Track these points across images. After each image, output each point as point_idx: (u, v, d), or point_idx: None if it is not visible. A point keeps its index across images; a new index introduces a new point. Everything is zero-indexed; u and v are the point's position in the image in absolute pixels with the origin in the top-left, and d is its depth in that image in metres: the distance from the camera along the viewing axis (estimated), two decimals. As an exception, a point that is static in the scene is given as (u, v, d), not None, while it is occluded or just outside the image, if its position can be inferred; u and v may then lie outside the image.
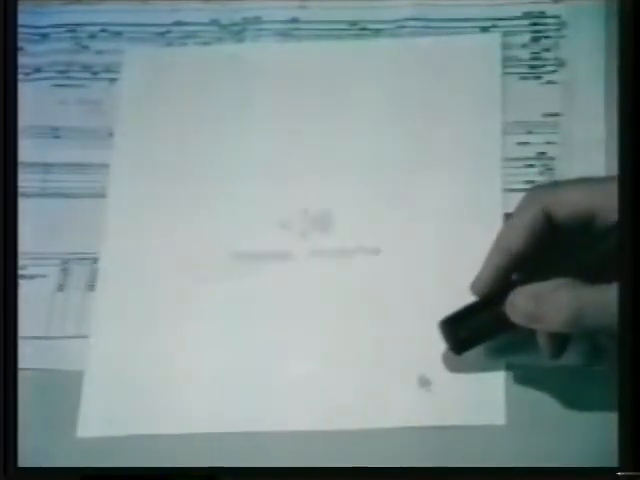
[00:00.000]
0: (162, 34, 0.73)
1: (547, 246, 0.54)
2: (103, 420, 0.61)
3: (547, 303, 0.53)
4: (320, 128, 0.68)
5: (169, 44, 0.73)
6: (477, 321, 0.56)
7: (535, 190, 0.56)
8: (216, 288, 0.64)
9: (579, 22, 0.69)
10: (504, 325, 0.55)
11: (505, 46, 0.69)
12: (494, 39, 0.70)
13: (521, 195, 0.59)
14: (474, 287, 0.57)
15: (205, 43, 0.72)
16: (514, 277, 0.56)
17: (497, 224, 0.60)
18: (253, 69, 0.71)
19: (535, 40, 0.69)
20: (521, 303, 0.54)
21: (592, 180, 0.53)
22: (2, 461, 0.54)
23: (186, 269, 0.65)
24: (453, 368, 0.60)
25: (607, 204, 0.52)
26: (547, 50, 0.69)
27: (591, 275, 0.52)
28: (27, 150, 0.68)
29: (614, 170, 0.53)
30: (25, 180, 0.68)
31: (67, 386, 0.62)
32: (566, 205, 0.53)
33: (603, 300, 0.51)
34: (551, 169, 0.65)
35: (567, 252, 0.54)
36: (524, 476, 0.55)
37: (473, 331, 0.57)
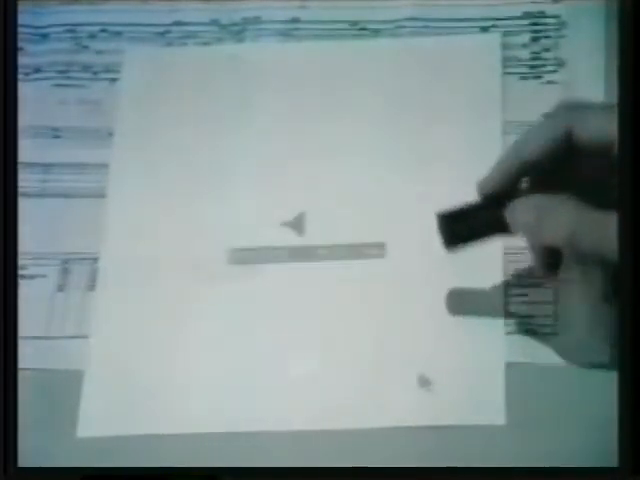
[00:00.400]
0: (162, 34, 0.73)
1: (561, 162, 0.54)
2: (103, 420, 0.61)
3: (548, 216, 0.53)
4: (320, 128, 0.68)
5: (169, 44, 0.73)
6: (475, 219, 0.56)
7: (562, 106, 0.55)
8: (216, 288, 0.64)
9: (579, 22, 0.69)
10: (501, 229, 0.55)
11: (505, 46, 0.69)
12: (494, 39, 0.70)
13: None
14: (481, 186, 0.56)
15: (205, 43, 0.73)
16: (522, 184, 0.56)
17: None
18: (253, 69, 0.71)
19: (535, 40, 0.69)
20: (522, 211, 0.54)
21: (617, 106, 0.53)
22: (2, 461, 0.54)
23: (186, 269, 0.65)
24: (453, 368, 0.60)
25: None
26: (547, 50, 0.69)
27: (597, 199, 0.52)
28: (27, 150, 0.68)
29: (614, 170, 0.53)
30: (25, 180, 0.68)
31: (67, 386, 0.62)
32: (591, 128, 0.53)
33: (602, 225, 0.51)
34: (551, 169, 0.65)
35: (578, 172, 0.53)
36: (524, 476, 0.55)
37: (469, 228, 0.56)
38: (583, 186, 0.53)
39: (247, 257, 0.65)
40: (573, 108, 0.54)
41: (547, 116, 0.55)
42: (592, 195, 0.52)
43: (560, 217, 0.52)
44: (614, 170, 0.52)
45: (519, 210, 0.54)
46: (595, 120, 0.53)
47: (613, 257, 0.51)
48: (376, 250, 0.64)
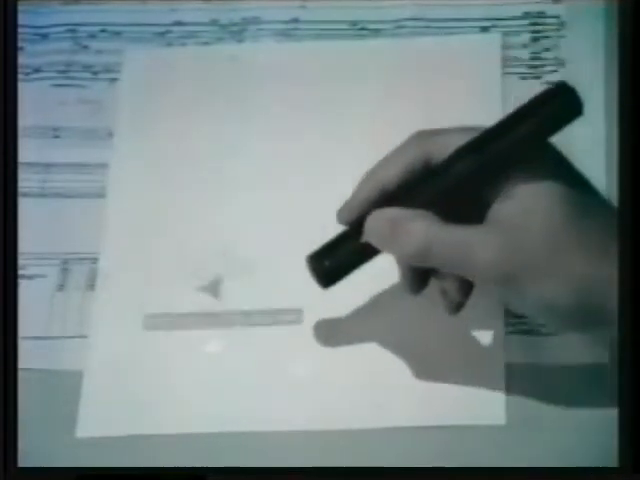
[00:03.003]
0: (162, 34, 0.73)
1: (418, 183, 0.53)
2: (103, 420, 0.61)
3: (402, 229, 0.52)
4: (320, 128, 0.68)
5: (169, 44, 0.73)
6: (342, 251, 0.55)
7: (418, 134, 0.55)
8: (215, 287, 0.64)
9: (579, 22, 0.69)
10: (368, 253, 0.54)
11: (505, 46, 0.69)
12: (494, 39, 0.70)
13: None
14: (340, 215, 0.55)
15: (205, 43, 0.73)
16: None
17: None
18: (253, 69, 0.71)
19: (535, 40, 0.69)
20: (377, 224, 0.53)
21: (475, 129, 0.53)
22: (2, 461, 0.54)
23: (186, 269, 0.65)
24: (455, 368, 0.60)
25: None
26: (547, 50, 0.69)
27: (449, 213, 0.52)
28: (27, 150, 0.68)
29: (614, 170, 0.53)
30: (25, 180, 0.68)
31: (67, 386, 0.62)
32: (446, 152, 0.52)
33: (453, 239, 0.51)
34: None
35: (433, 188, 0.53)
36: (524, 476, 0.55)
37: (338, 261, 0.55)
38: (435, 200, 0.52)
39: (247, 257, 0.65)
40: (429, 134, 0.54)
41: (404, 143, 0.54)
42: (444, 208, 0.52)
43: (413, 229, 0.52)
44: (462, 183, 0.51)
45: (373, 224, 0.53)
46: (452, 144, 0.52)
47: (473, 273, 0.51)
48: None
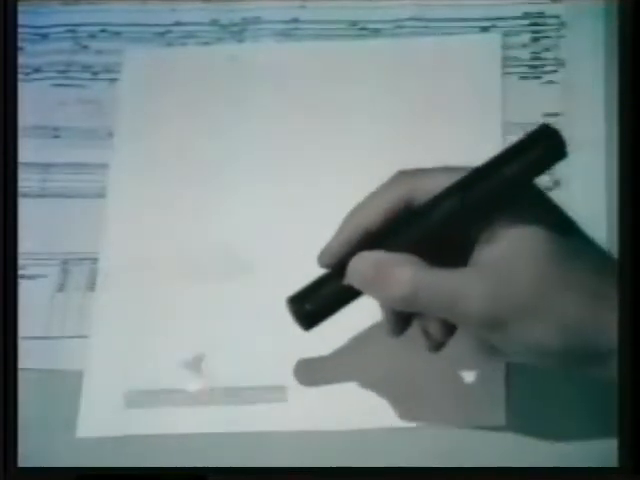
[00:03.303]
0: (162, 34, 0.73)
1: (401, 225, 0.53)
2: (103, 420, 0.61)
3: (387, 274, 0.51)
4: (320, 128, 0.68)
5: (169, 44, 0.73)
6: (323, 294, 0.54)
7: (400, 174, 0.54)
8: (215, 287, 0.64)
9: (579, 22, 0.69)
10: (350, 295, 0.54)
11: (505, 46, 0.69)
12: (494, 39, 0.70)
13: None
14: (321, 259, 0.55)
15: (205, 43, 0.73)
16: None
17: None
18: (253, 69, 0.71)
19: (535, 40, 0.69)
20: (361, 268, 0.52)
21: (458, 169, 0.52)
22: (2, 461, 0.54)
23: (186, 269, 0.65)
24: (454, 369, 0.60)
25: None
26: (547, 50, 0.69)
27: (434, 255, 0.51)
28: (27, 150, 0.68)
29: (614, 171, 0.53)
30: (25, 180, 0.68)
31: (67, 386, 0.62)
32: (428, 192, 0.52)
33: (440, 285, 0.50)
34: (551, 169, 0.65)
35: (417, 230, 0.52)
36: (524, 476, 0.55)
37: (319, 304, 0.54)
38: (420, 244, 0.52)
39: (246, 256, 0.65)
40: (411, 175, 0.53)
41: (386, 184, 0.54)
42: (430, 252, 0.51)
43: (399, 274, 0.51)
44: (447, 226, 0.51)
45: (357, 266, 0.52)
46: (433, 184, 0.52)
47: (460, 318, 0.51)
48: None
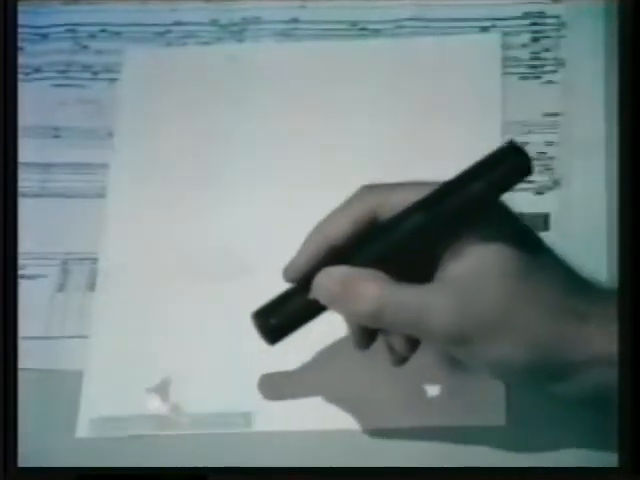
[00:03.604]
0: (162, 34, 0.73)
1: (367, 241, 0.53)
2: (103, 420, 0.61)
3: (353, 290, 0.51)
4: (320, 128, 0.68)
5: (169, 44, 0.73)
6: (288, 308, 0.54)
7: (365, 189, 0.54)
8: (216, 287, 0.64)
9: (579, 22, 0.69)
10: (315, 310, 0.53)
11: (505, 46, 0.69)
12: (494, 39, 0.70)
13: (520, 195, 0.59)
14: (286, 274, 0.54)
15: (205, 43, 0.73)
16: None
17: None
18: (253, 69, 0.71)
19: (535, 40, 0.69)
20: (327, 284, 0.52)
21: (422, 185, 0.52)
22: (2, 461, 0.54)
23: (186, 269, 0.65)
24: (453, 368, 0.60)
25: None
26: (547, 50, 0.69)
27: (399, 271, 0.51)
28: (27, 150, 0.68)
29: (614, 171, 0.53)
30: (25, 180, 0.68)
31: (67, 386, 0.62)
32: (393, 207, 0.52)
33: (406, 302, 0.50)
34: (551, 169, 0.65)
35: (383, 245, 0.52)
36: (524, 476, 0.55)
37: (284, 318, 0.54)
38: (387, 260, 0.52)
39: (245, 256, 0.65)
40: (376, 190, 0.53)
41: (351, 199, 0.54)
42: (396, 268, 0.51)
43: (365, 290, 0.51)
44: (413, 242, 0.51)
45: (323, 282, 0.52)
46: (398, 199, 0.52)
47: (426, 335, 0.51)
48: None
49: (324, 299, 0.53)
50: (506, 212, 0.52)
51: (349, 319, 0.56)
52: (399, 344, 0.54)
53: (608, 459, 0.51)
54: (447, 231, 0.51)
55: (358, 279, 0.51)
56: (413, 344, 0.54)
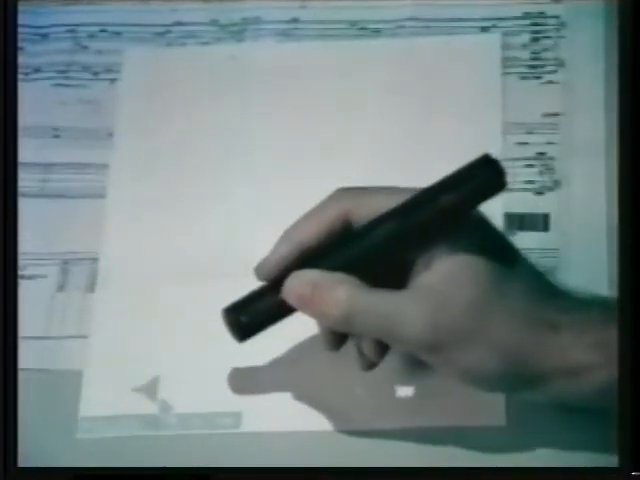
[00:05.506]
0: (162, 34, 0.73)
1: (339, 245, 0.53)
2: (103, 420, 0.61)
3: (324, 295, 0.51)
4: (320, 128, 0.68)
5: (169, 44, 0.73)
6: (258, 307, 0.54)
7: (339, 192, 0.54)
8: (216, 287, 0.64)
9: (579, 22, 0.69)
10: (285, 310, 0.53)
11: (505, 46, 0.69)
12: (494, 39, 0.70)
13: (520, 195, 0.59)
14: (258, 272, 0.55)
15: (205, 43, 0.73)
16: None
17: (497, 225, 0.60)
18: (253, 69, 0.71)
19: (535, 40, 0.69)
20: (297, 287, 0.52)
21: (397, 190, 0.52)
22: (2, 461, 0.54)
23: (186, 269, 0.65)
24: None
25: None
26: (547, 50, 0.69)
27: (371, 276, 0.51)
28: (27, 150, 0.68)
29: (614, 171, 0.53)
30: (25, 180, 0.68)
31: (67, 386, 0.62)
32: (366, 212, 0.52)
33: (377, 309, 0.50)
34: (551, 169, 0.65)
35: (355, 251, 0.52)
36: (524, 476, 0.55)
37: (254, 317, 0.54)
38: (358, 264, 0.52)
39: (244, 256, 0.65)
40: (350, 194, 0.53)
41: (324, 202, 0.54)
42: (367, 274, 0.51)
43: (335, 294, 0.51)
44: (385, 247, 0.51)
45: (293, 285, 0.52)
46: (371, 204, 0.52)
47: (397, 342, 0.51)
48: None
49: (294, 302, 0.53)
50: (480, 221, 0.52)
51: (319, 323, 0.56)
52: (369, 349, 0.54)
53: (608, 459, 0.51)
54: (420, 240, 0.51)
55: (328, 283, 0.51)
56: (383, 349, 0.54)
